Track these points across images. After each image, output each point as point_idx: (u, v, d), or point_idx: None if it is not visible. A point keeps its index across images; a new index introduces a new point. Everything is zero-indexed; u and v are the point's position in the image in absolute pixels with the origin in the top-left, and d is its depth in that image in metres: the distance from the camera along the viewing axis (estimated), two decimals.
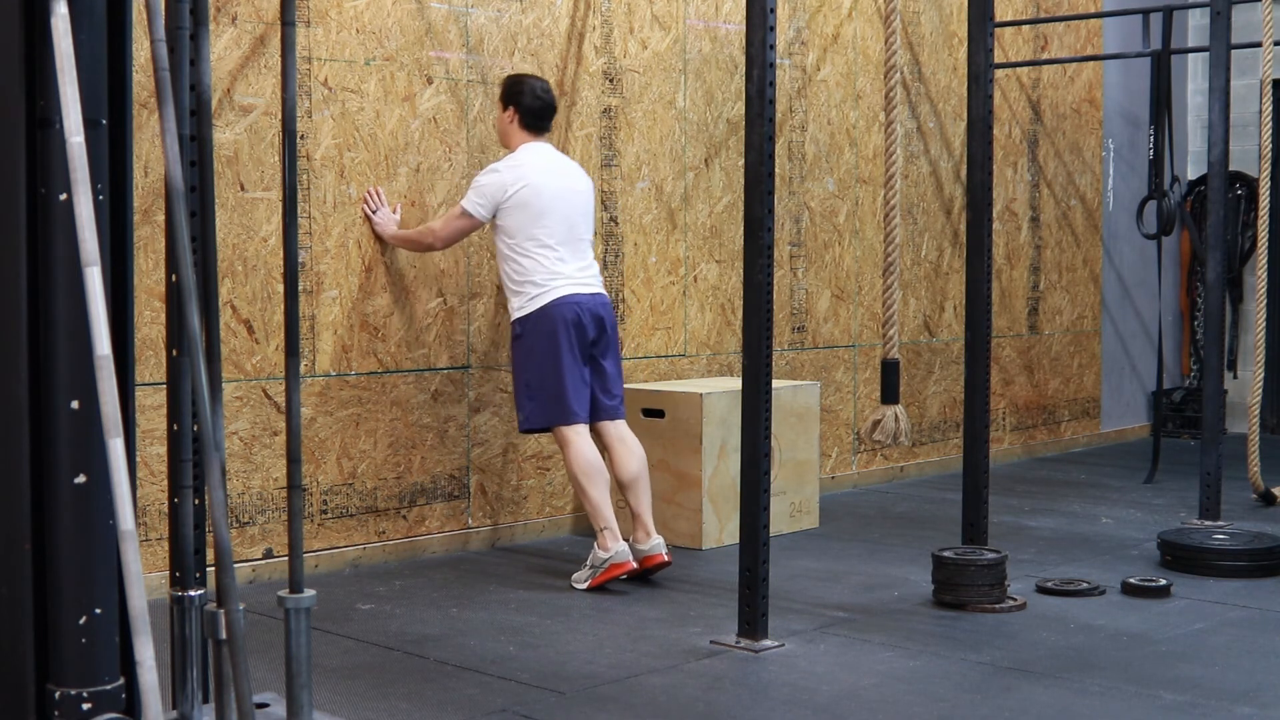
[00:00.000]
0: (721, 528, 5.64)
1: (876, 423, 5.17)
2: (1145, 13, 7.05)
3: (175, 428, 2.79)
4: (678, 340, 6.27)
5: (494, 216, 4.99)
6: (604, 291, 5.11)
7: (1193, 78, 9.46)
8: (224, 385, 4.50)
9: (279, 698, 3.08)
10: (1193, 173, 9.43)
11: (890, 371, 5.12)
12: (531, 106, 5.05)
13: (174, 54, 2.71)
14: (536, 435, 5.66)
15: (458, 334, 5.48)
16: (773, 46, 4.07)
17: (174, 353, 2.80)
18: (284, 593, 2.85)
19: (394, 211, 5.23)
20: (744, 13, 4.22)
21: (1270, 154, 6.56)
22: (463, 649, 4.13)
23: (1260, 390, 6.56)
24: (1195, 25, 9.28)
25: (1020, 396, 8.19)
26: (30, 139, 2.42)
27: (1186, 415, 9.06)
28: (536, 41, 5.66)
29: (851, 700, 3.68)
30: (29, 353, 2.44)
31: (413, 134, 5.31)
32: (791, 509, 5.97)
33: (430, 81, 5.35)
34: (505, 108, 5.09)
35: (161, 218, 4.59)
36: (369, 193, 5.18)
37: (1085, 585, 4.85)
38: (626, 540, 5.01)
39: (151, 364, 4.62)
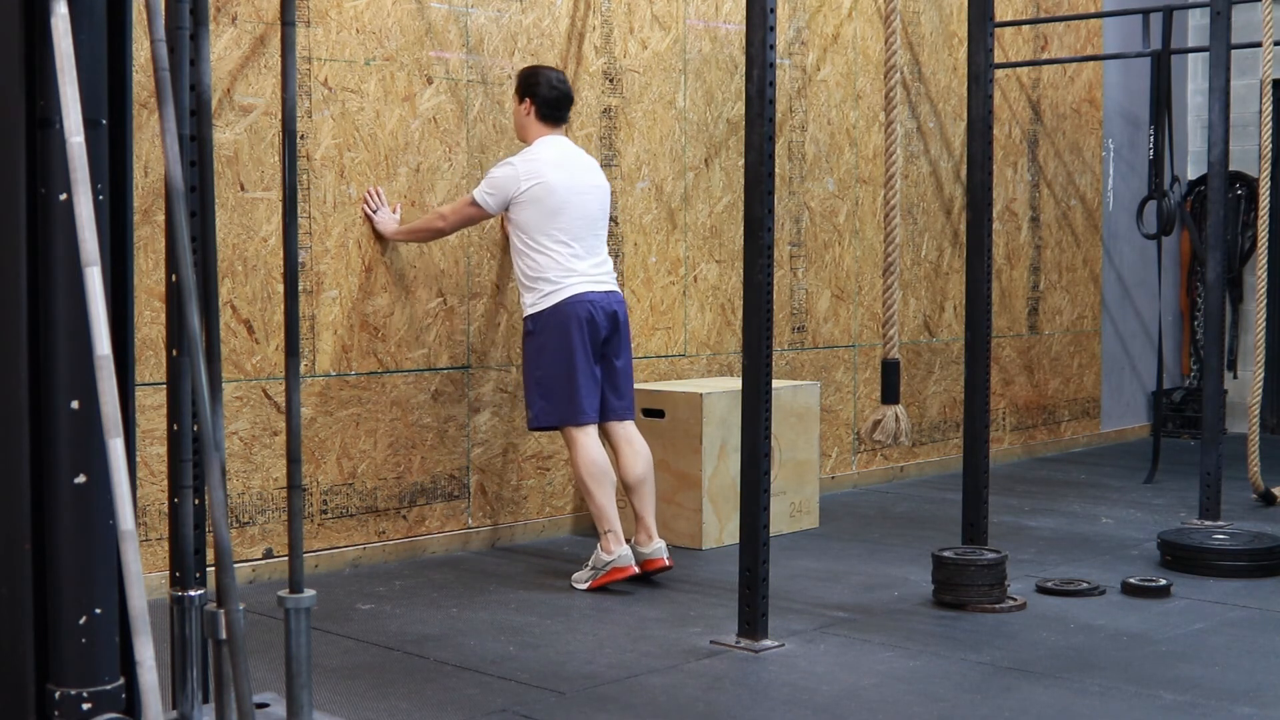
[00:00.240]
0: (721, 528, 5.64)
1: (877, 423, 5.17)
2: (1145, 13, 7.05)
3: (175, 428, 2.79)
4: (678, 340, 6.27)
5: (507, 210, 4.97)
6: (618, 289, 5.09)
7: (1193, 78, 9.46)
8: (224, 385, 4.50)
9: (279, 698, 3.08)
10: (1193, 173, 9.43)
11: (890, 371, 5.12)
12: (548, 97, 5.00)
13: (174, 54, 2.71)
14: (537, 435, 5.66)
15: (458, 334, 5.48)
16: (773, 46, 4.07)
17: (174, 353, 2.80)
18: (284, 593, 2.85)
19: (394, 211, 5.22)
20: (744, 13, 4.22)
21: (1270, 154, 6.56)
22: (463, 649, 4.13)
23: (1260, 390, 6.56)
24: (1195, 25, 9.28)
25: (1020, 396, 8.19)
26: (30, 139, 2.42)
27: (1186, 415, 9.06)
28: (536, 41, 5.66)
29: (851, 700, 3.68)
30: (29, 353, 2.44)
31: (413, 134, 5.31)
32: (791, 509, 5.97)
33: (430, 81, 5.35)
34: (521, 100, 5.04)
35: (161, 218, 4.59)
36: (369, 192, 5.18)
37: (1085, 585, 4.85)
38: (628, 541, 5.01)
39: (151, 364, 4.62)
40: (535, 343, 4.95)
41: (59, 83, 2.29)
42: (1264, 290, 7.22)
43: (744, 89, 4.15)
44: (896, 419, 5.15)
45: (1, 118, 2.42)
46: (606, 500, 4.90)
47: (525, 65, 5.53)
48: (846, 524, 6.19)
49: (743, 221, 4.22)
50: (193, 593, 2.79)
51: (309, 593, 2.85)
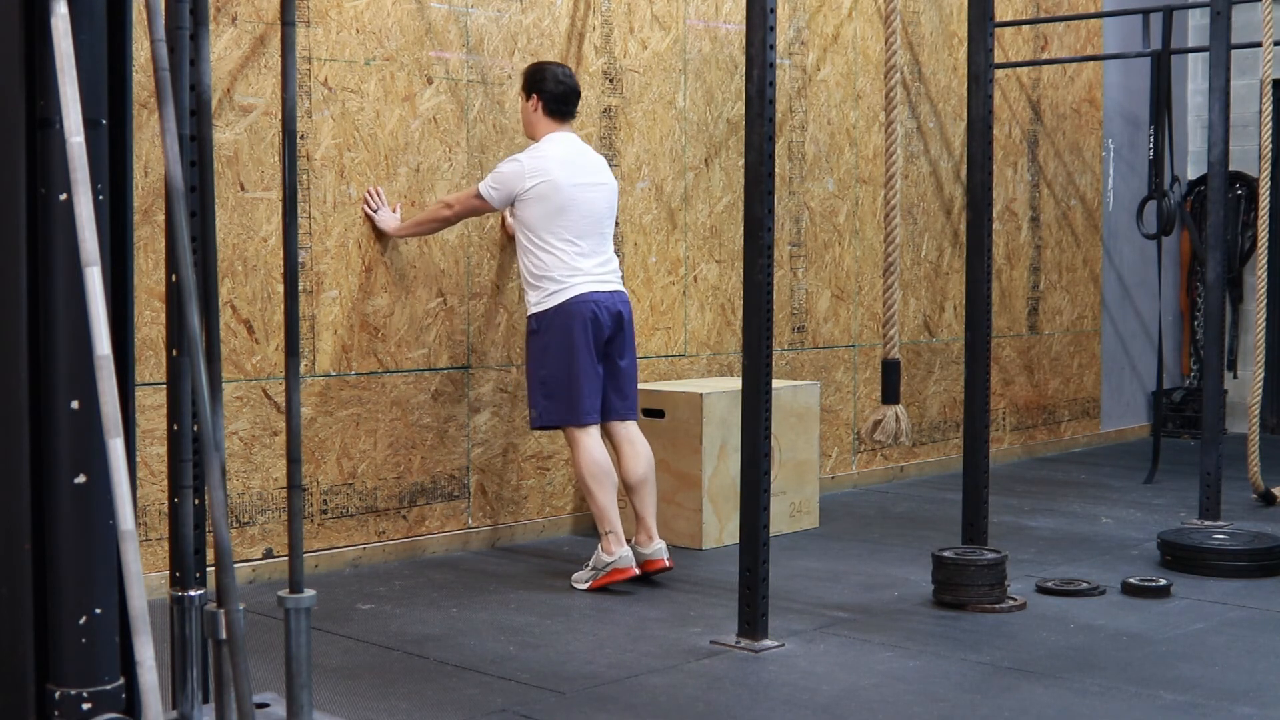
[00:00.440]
0: (721, 528, 5.64)
1: (877, 423, 5.17)
2: (1145, 13, 7.05)
3: (175, 428, 2.79)
4: (678, 340, 6.27)
5: (512, 206, 4.96)
6: (624, 289, 5.08)
7: (1193, 78, 9.46)
8: (224, 385, 4.50)
9: (279, 698, 3.08)
10: (1193, 173, 9.43)
11: (890, 371, 5.12)
12: (555, 92, 4.99)
13: (174, 54, 2.71)
14: (537, 435, 5.66)
15: (458, 334, 5.48)
16: (773, 46, 4.07)
17: (174, 353, 2.79)
18: (284, 593, 2.85)
19: (394, 211, 5.22)
20: (744, 13, 4.22)
21: (1270, 154, 6.56)
22: (463, 649, 4.13)
23: (1260, 390, 6.56)
24: (1195, 25, 9.28)
25: (1020, 396, 8.19)
26: (30, 139, 2.42)
27: (1186, 415, 9.06)
28: (536, 41, 5.66)
29: (851, 700, 3.68)
30: (29, 353, 2.44)
31: (413, 134, 5.31)
32: (791, 509, 5.97)
33: (430, 81, 5.35)
34: (528, 97, 5.02)
35: (161, 218, 4.59)
36: (369, 192, 5.18)
37: (1085, 585, 4.85)
38: (628, 542, 5.01)
39: (151, 364, 4.62)
40: (539, 342, 4.94)
41: (59, 83, 2.29)
42: (1264, 290, 7.22)
43: (744, 89, 4.15)
44: (897, 419, 5.15)
45: (1, 118, 2.42)
46: (608, 501, 4.90)
47: (524, 66, 5.53)
48: (846, 524, 6.19)
49: (743, 221, 4.22)
50: (193, 593, 2.79)
51: (309, 593, 2.84)
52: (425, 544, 5.39)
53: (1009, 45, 7.91)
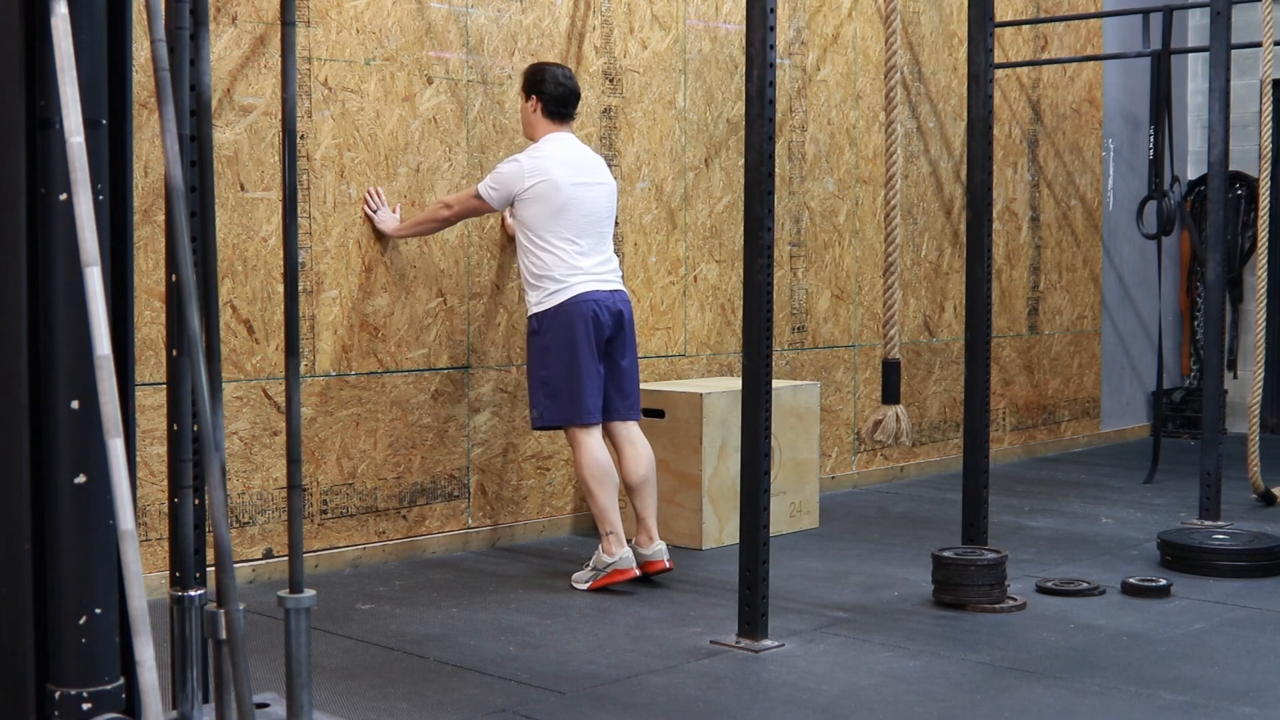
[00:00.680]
0: (721, 528, 5.64)
1: (877, 423, 5.17)
2: (1145, 13, 7.05)
3: (175, 428, 2.79)
4: (678, 340, 6.27)
5: (512, 206, 4.97)
6: (624, 288, 5.08)
7: (1193, 78, 9.46)
8: (224, 385, 4.50)
9: (279, 698, 3.08)
10: (1193, 173, 9.43)
11: (891, 371, 5.11)
12: (554, 94, 4.99)
13: (174, 54, 2.71)
14: (538, 435, 5.66)
15: (458, 334, 5.48)
16: (773, 46, 4.07)
17: (174, 353, 2.79)
18: (284, 593, 2.85)
19: (394, 211, 5.22)
20: (744, 13, 4.22)
21: (1270, 154, 6.56)
22: (463, 649, 4.13)
23: (1260, 390, 6.56)
24: (1195, 25, 9.28)
25: (1020, 396, 8.19)
26: (30, 139, 2.42)
27: (1186, 415, 9.06)
28: (536, 41, 5.66)
29: (851, 700, 3.68)
30: (29, 353, 2.44)
31: (413, 134, 5.31)
32: (791, 509, 5.97)
33: (430, 81, 5.35)
34: (528, 97, 5.03)
35: (161, 218, 4.59)
36: (369, 193, 5.18)
37: (1085, 585, 4.85)
38: (628, 542, 5.01)
39: (151, 364, 4.62)
40: (540, 342, 4.94)
41: (59, 83, 2.29)
42: (1264, 290, 7.22)
43: (744, 89, 4.15)
44: (897, 419, 5.15)
45: (1, 118, 2.42)
46: (608, 502, 4.90)
47: (524, 66, 5.53)
48: (846, 524, 6.19)
49: (743, 221, 4.22)
50: (193, 593, 2.79)
51: (309, 593, 2.84)
52: (425, 544, 5.39)
53: (1009, 45, 7.91)
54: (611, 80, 5.94)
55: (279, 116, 4.91)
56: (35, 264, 2.44)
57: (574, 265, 4.90)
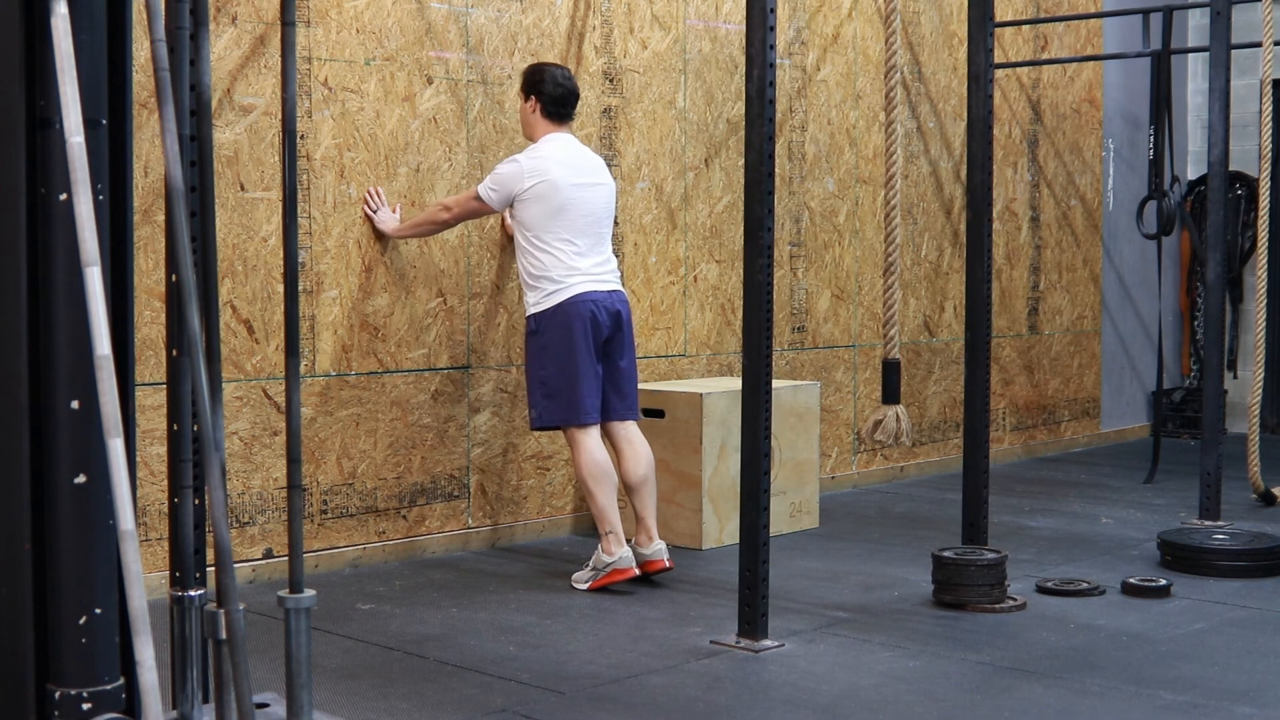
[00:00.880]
0: (721, 528, 5.64)
1: (877, 423, 5.17)
2: (1145, 13, 7.05)
3: (175, 428, 2.79)
4: (678, 340, 6.27)
5: (511, 206, 4.97)
6: (622, 289, 5.09)
7: (1193, 78, 9.46)
8: (224, 385, 4.50)
9: (279, 698, 3.08)
10: (1193, 173, 9.43)
11: (891, 371, 5.12)
12: (554, 94, 5.00)
13: (174, 54, 2.71)
14: (538, 435, 5.66)
15: (458, 334, 5.48)
16: (773, 46, 4.07)
17: (174, 353, 2.80)
18: (284, 593, 2.85)
19: (394, 211, 5.22)
20: (744, 13, 4.22)
21: (1270, 154, 6.56)
22: (463, 649, 4.13)
23: (1260, 390, 6.56)
24: (1195, 25, 9.29)
25: (1020, 396, 8.19)
26: (30, 139, 2.42)
27: (1186, 415, 9.06)
28: (536, 41, 5.66)
29: (851, 700, 3.68)
30: (29, 353, 2.44)
31: (413, 134, 5.31)
32: (791, 509, 5.97)
33: (430, 81, 5.35)
34: (527, 98, 5.04)
35: (161, 218, 4.59)
36: (369, 193, 5.18)
37: (1085, 585, 4.85)
38: (628, 542, 5.01)
39: (151, 364, 4.62)
40: (538, 342, 4.95)
41: (59, 83, 2.29)
42: (1264, 290, 7.22)
43: (744, 89, 4.15)
44: (897, 419, 5.15)
45: (1, 118, 2.42)
46: (607, 501, 4.90)
47: (524, 66, 5.53)
48: (846, 524, 6.19)
49: (743, 221, 4.22)
50: (193, 593, 2.79)
51: (309, 593, 2.84)
52: (425, 544, 5.39)
53: (1009, 45, 7.91)
54: (611, 80, 5.94)
55: (279, 116, 4.91)
56: (35, 264, 2.44)
57: (572, 266, 4.90)
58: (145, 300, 4.59)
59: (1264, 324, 6.71)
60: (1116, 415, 9.06)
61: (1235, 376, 9.19)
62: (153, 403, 4.57)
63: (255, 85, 4.87)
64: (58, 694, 2.44)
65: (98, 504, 2.44)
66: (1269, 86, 6.47)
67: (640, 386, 5.74)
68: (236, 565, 4.33)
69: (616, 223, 5.95)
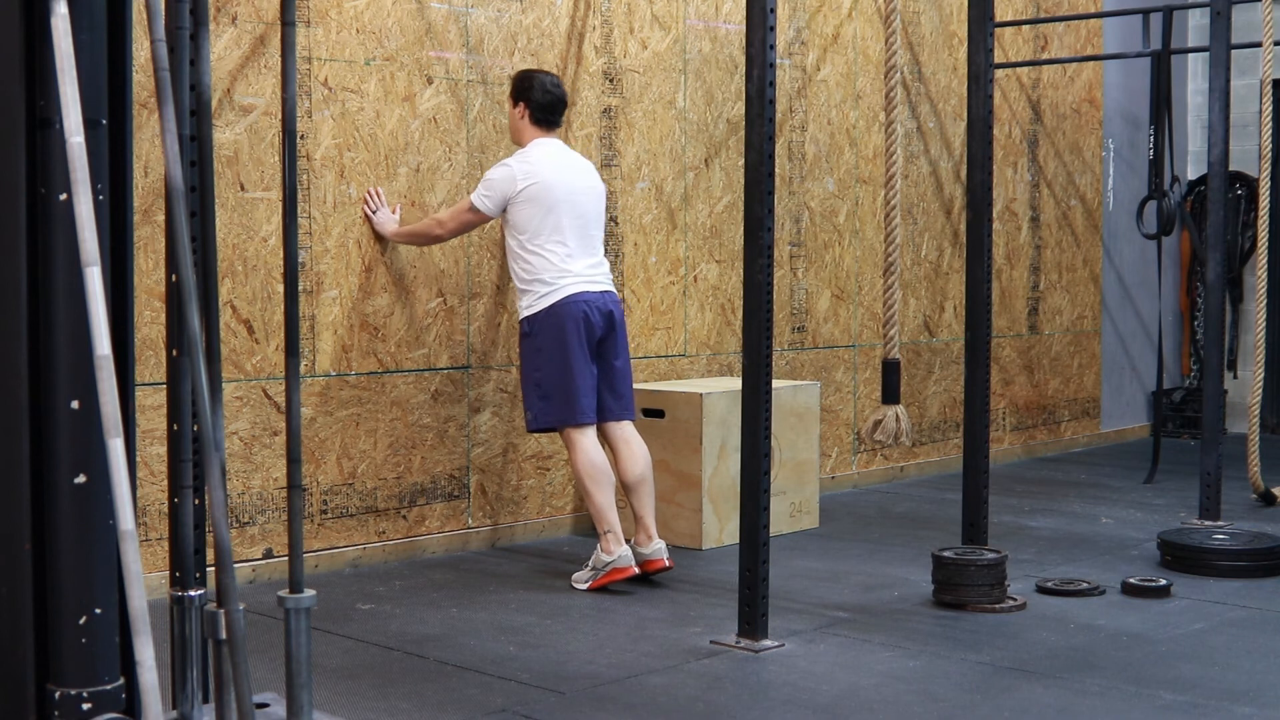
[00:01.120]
0: (721, 528, 5.64)
1: (877, 423, 5.17)
2: (1145, 13, 7.05)
3: (175, 428, 2.79)
4: (678, 340, 6.28)
5: (503, 212, 4.98)
6: (614, 290, 5.10)
7: (1193, 78, 9.46)
8: (224, 385, 4.50)
9: (279, 698, 3.08)
10: (1193, 173, 9.43)
11: (891, 371, 5.12)
12: (542, 101, 5.02)
13: (174, 54, 2.71)
14: (537, 435, 5.66)
15: (458, 334, 5.48)
16: (773, 46, 4.07)
17: (174, 353, 2.80)
18: (284, 593, 2.85)
19: (394, 212, 5.23)
20: (744, 13, 4.22)
21: (1270, 154, 6.56)
22: (463, 649, 4.13)
23: (1260, 390, 6.56)
24: (1195, 25, 9.29)
25: (1020, 396, 8.19)
26: (30, 139, 2.42)
27: (1186, 415, 9.06)
28: (536, 41, 5.66)
29: (851, 700, 3.68)
30: (29, 353, 2.44)
31: (413, 134, 5.31)
32: (791, 509, 5.97)
33: (430, 81, 5.35)
34: (515, 104, 5.06)
35: (161, 218, 4.59)
36: (369, 193, 5.18)
37: (1085, 585, 4.85)
38: (627, 542, 5.01)
39: (151, 364, 4.62)
40: (532, 344, 4.96)
41: (59, 83, 2.29)
42: (1264, 290, 7.22)
43: (744, 89, 4.15)
44: (897, 419, 5.15)
45: (1, 118, 2.42)
46: (605, 501, 4.90)
47: (524, 66, 5.53)
48: (846, 524, 6.19)
49: (743, 221, 4.22)
50: (193, 593, 2.79)
51: (309, 593, 2.84)
52: (425, 544, 5.39)
53: (1009, 45, 7.91)
54: (611, 80, 5.94)
55: (279, 116, 4.91)
56: (35, 264, 2.44)
57: (563, 268, 4.92)
58: (145, 300, 4.59)
59: (1264, 324, 6.71)
60: (1116, 415, 9.06)
61: (1235, 376, 9.19)
62: (153, 403, 4.57)
63: (255, 85, 4.87)
64: (58, 694, 2.44)
65: (98, 504, 2.44)
66: (1269, 86, 6.47)
67: (640, 386, 5.74)
68: (236, 565, 4.34)
69: (616, 223, 5.95)
